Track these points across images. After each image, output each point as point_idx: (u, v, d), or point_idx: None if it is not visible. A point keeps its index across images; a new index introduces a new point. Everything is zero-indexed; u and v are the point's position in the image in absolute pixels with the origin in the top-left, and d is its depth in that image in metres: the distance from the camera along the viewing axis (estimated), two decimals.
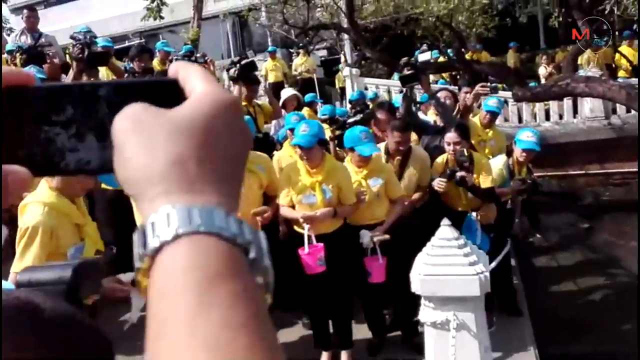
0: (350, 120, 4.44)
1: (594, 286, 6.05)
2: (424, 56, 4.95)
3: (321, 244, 3.44)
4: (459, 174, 3.78)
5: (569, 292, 5.98)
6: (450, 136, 3.93)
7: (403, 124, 3.95)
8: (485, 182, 3.93)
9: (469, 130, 4.17)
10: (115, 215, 3.74)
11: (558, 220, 8.31)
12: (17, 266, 2.28)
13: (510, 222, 4.49)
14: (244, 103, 5.00)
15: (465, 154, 3.83)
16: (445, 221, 2.67)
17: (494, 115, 5.18)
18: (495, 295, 4.43)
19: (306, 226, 3.45)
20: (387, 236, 3.64)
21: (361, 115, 4.53)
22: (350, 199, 3.62)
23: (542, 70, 11.74)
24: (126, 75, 4.53)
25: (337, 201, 3.58)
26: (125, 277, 2.33)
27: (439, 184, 3.84)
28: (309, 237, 3.44)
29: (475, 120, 5.27)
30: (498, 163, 4.35)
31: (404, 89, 4.77)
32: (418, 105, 6.25)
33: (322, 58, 16.12)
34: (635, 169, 9.66)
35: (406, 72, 4.58)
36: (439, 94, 4.94)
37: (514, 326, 4.29)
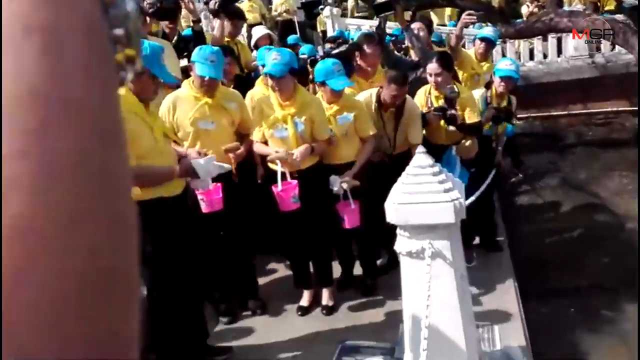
0: (334, 52, 4.11)
1: (575, 224, 6.07)
2: None
3: (295, 181, 3.35)
4: (450, 112, 3.67)
5: (550, 229, 6.00)
6: (432, 67, 3.78)
7: (401, 77, 3.67)
8: (471, 117, 3.83)
9: (452, 60, 4.01)
10: None
11: (540, 160, 8.30)
12: None
13: (492, 158, 4.40)
14: (227, 39, 4.77)
15: (456, 90, 3.70)
16: (420, 148, 2.56)
17: (489, 43, 4.86)
18: (475, 231, 4.42)
19: (279, 163, 3.35)
20: (356, 182, 3.51)
21: (345, 47, 4.20)
22: (324, 133, 3.50)
23: (525, 9, 11.45)
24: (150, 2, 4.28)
25: (309, 135, 3.46)
26: None
27: (433, 116, 3.72)
28: (283, 173, 3.34)
29: (470, 52, 5.08)
30: (475, 94, 4.23)
31: (377, 19, 4.54)
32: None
33: (303, 0, 15.58)
34: (618, 108, 9.63)
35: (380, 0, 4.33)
36: (412, 26, 4.72)
37: (493, 262, 4.29)
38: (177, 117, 3.31)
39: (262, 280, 4.20)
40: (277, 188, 3.33)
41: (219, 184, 3.06)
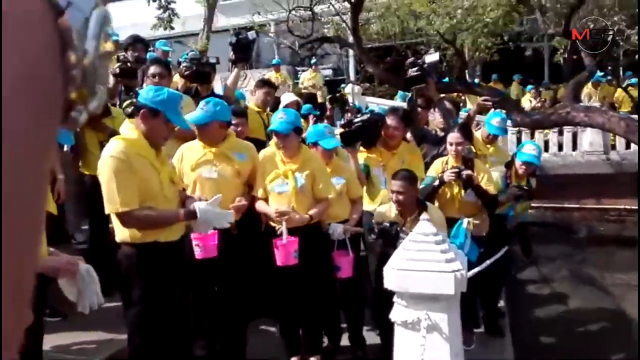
0: (356, 120, 4.13)
1: (580, 316, 5.90)
2: (431, 57, 4.54)
3: (296, 238, 3.33)
4: (465, 172, 3.68)
5: (554, 319, 5.82)
6: (453, 136, 3.85)
7: (401, 112, 3.90)
8: (487, 186, 3.85)
9: (472, 132, 4.07)
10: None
11: (550, 251, 8.17)
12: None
13: (505, 238, 4.34)
14: (257, 109, 5.04)
15: (473, 150, 3.75)
16: (424, 216, 2.56)
17: (496, 136, 4.93)
18: (479, 312, 4.31)
19: (284, 221, 3.34)
20: (360, 229, 3.61)
21: (368, 116, 4.18)
22: (326, 191, 3.51)
23: (527, 104, 11.67)
24: (118, 64, 4.47)
25: (310, 191, 3.47)
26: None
27: (450, 174, 3.73)
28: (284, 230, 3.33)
29: (477, 135, 5.16)
30: (495, 174, 4.26)
31: (410, 92, 4.61)
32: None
33: (327, 78, 16.16)
34: (632, 207, 9.55)
35: (412, 73, 4.40)
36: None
37: (494, 346, 4.14)
38: (183, 165, 3.39)
39: (251, 343, 4.08)
40: (279, 241, 3.30)
41: (215, 231, 3.05)
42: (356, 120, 4.11)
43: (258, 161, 3.61)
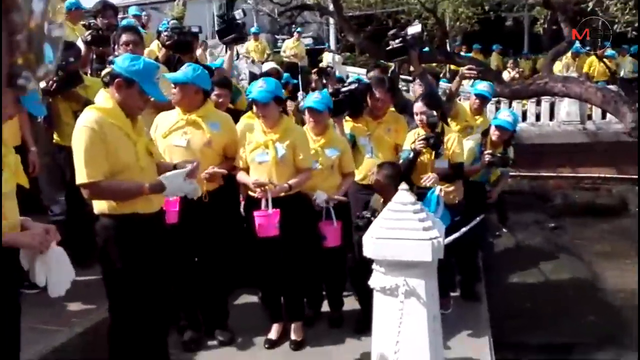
0: (344, 89, 4.08)
1: (554, 282, 6.08)
2: (414, 29, 4.44)
3: (277, 209, 3.33)
4: (433, 138, 3.69)
5: (529, 285, 5.99)
6: (418, 106, 3.84)
7: (383, 80, 3.90)
8: (455, 156, 3.85)
9: (439, 100, 4.03)
10: None
11: (526, 219, 8.35)
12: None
13: (480, 206, 4.39)
14: None
15: (434, 114, 3.73)
16: (403, 185, 2.58)
17: (484, 99, 4.87)
18: (456, 278, 4.40)
19: (269, 192, 3.32)
20: (344, 198, 3.65)
21: (356, 85, 4.10)
22: (306, 162, 3.49)
23: (506, 75, 11.72)
24: (89, 31, 4.34)
25: (291, 161, 3.44)
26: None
27: (419, 143, 3.72)
28: (267, 200, 3.33)
29: (465, 105, 5.16)
30: (470, 141, 4.28)
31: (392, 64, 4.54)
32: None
33: (308, 47, 15.96)
34: (606, 175, 9.77)
35: (394, 45, 4.34)
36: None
37: (470, 311, 4.23)
38: (157, 134, 3.36)
39: (233, 311, 4.13)
40: (265, 212, 3.31)
41: (177, 197, 3.05)
42: (343, 89, 4.05)
43: (234, 133, 3.57)
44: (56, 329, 3.07)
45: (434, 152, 3.75)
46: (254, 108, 3.45)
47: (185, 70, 3.35)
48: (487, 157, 4.15)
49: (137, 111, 2.72)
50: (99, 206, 2.66)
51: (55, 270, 2.20)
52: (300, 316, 3.70)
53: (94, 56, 4.51)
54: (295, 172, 3.46)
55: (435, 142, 3.67)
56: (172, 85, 3.39)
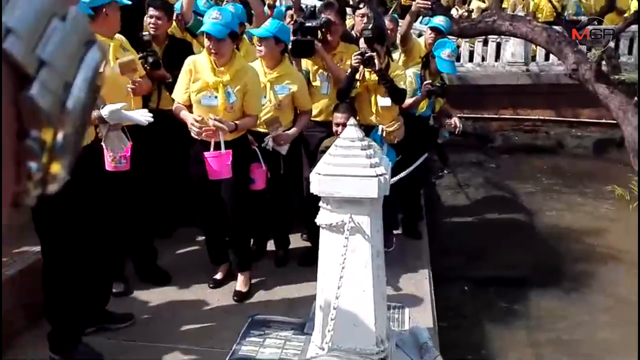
0: (307, 25, 3.78)
1: (493, 220, 6.31)
2: None
3: (230, 150, 3.15)
4: (367, 53, 3.59)
5: (469, 223, 6.20)
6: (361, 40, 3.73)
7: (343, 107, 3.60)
8: (394, 78, 3.77)
9: (384, 33, 3.88)
10: None
11: (467, 159, 8.55)
12: None
13: (425, 142, 4.40)
14: None
15: (369, 27, 3.63)
16: (351, 121, 2.51)
17: (439, 33, 4.64)
18: (399, 213, 4.47)
19: (220, 132, 3.11)
20: (289, 132, 3.55)
21: (320, 22, 3.77)
22: (255, 109, 3.30)
23: (454, 12, 11.66)
24: None
25: (239, 108, 3.24)
26: None
27: (354, 58, 3.60)
28: (217, 142, 3.14)
29: (420, 41, 5.05)
30: (409, 72, 4.23)
31: None
32: None
33: None
34: (545, 117, 10.07)
35: None
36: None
37: (411, 248, 4.34)
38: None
39: (179, 252, 4.06)
40: (212, 154, 3.14)
41: (128, 145, 2.86)
42: (306, 25, 3.76)
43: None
44: None
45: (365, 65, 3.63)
46: (206, 42, 3.15)
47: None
48: (426, 87, 4.12)
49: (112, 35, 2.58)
50: None
51: None
52: (247, 266, 3.60)
53: None
54: (241, 117, 3.27)
55: (369, 58, 3.57)
56: None
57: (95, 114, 2.55)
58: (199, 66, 3.23)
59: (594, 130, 9.51)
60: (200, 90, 3.20)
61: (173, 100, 3.70)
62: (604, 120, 8.96)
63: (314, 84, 3.87)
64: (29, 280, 2.93)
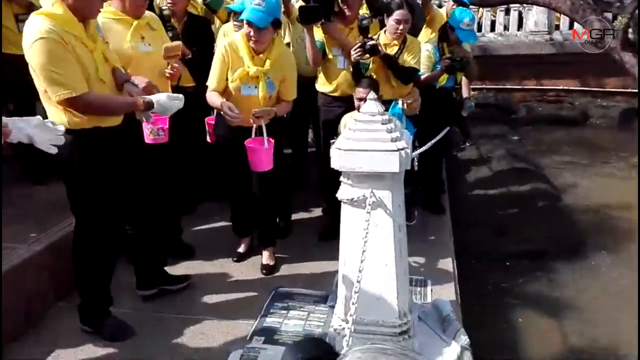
0: None
1: (516, 193, 6.25)
2: None
3: (272, 140, 3.11)
4: (369, 43, 3.52)
5: (492, 196, 6.15)
6: (402, 13, 3.58)
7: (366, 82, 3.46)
8: (409, 62, 3.68)
9: (414, 9, 3.80)
10: None
11: (490, 131, 8.44)
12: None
13: (447, 115, 4.31)
14: None
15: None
16: (371, 95, 2.49)
17: (460, 3, 4.51)
18: (420, 188, 4.44)
19: (263, 121, 3.06)
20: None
21: None
22: (291, 94, 3.30)
23: None
24: None
25: (276, 96, 3.24)
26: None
27: (355, 52, 3.52)
28: (260, 128, 3.09)
29: (442, 12, 4.96)
30: (427, 45, 4.15)
31: None
32: None
33: None
34: (570, 87, 9.86)
35: None
36: None
37: (434, 222, 4.33)
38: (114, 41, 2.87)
39: (202, 227, 4.12)
40: (255, 146, 3.09)
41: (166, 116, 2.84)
42: None
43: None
44: (13, 246, 2.98)
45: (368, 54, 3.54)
46: (245, 28, 3.03)
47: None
48: (446, 62, 4.03)
49: (93, 14, 2.45)
50: (59, 121, 2.36)
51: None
52: (272, 242, 3.63)
53: None
54: (277, 102, 3.27)
55: (372, 47, 3.51)
56: None
57: (142, 100, 2.51)
58: (235, 53, 3.13)
59: (619, 100, 9.30)
60: (240, 79, 3.13)
61: (193, 77, 3.73)
62: (630, 90, 8.74)
63: (329, 56, 3.81)
64: (56, 255, 3.03)
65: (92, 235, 2.64)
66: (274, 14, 2.99)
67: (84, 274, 2.70)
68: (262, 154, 3.10)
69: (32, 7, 3.73)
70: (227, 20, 4.22)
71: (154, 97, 2.53)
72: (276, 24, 3.08)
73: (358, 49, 3.50)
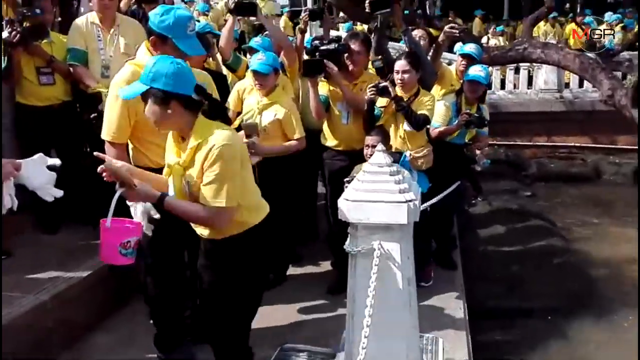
0: (322, 48, 3.79)
1: (528, 249, 6.15)
2: None
3: None
4: (381, 84, 3.56)
5: (504, 252, 6.06)
6: (401, 64, 3.68)
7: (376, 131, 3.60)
8: (421, 110, 3.66)
9: (420, 60, 3.87)
10: None
11: (501, 187, 8.41)
12: None
13: (458, 170, 4.29)
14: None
15: (379, 58, 3.64)
16: (379, 147, 2.50)
17: (470, 60, 4.50)
18: (432, 241, 4.37)
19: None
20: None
21: (336, 45, 3.79)
22: (292, 133, 3.65)
23: (485, 40, 11.64)
24: None
25: (274, 131, 3.62)
26: None
27: (369, 91, 3.58)
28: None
29: (452, 69, 5.01)
30: (445, 100, 4.17)
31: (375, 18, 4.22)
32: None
33: (283, 9, 15.44)
34: (581, 144, 9.87)
35: None
36: (414, 32, 4.56)
37: (445, 277, 4.24)
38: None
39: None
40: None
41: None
42: (322, 47, 3.80)
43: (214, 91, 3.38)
44: (21, 296, 2.96)
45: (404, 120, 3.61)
46: (252, 78, 3.67)
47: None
48: (464, 117, 4.03)
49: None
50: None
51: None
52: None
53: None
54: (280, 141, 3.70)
55: (384, 88, 3.56)
56: None
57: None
58: (249, 95, 3.83)
59: (632, 157, 9.26)
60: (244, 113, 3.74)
61: None
62: None
63: (335, 112, 3.86)
64: (62, 304, 3.00)
65: (163, 275, 2.77)
66: (274, 65, 3.66)
67: (157, 308, 2.85)
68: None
69: (52, 61, 3.87)
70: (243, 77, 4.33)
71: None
72: (276, 72, 3.70)
73: (372, 89, 3.60)
